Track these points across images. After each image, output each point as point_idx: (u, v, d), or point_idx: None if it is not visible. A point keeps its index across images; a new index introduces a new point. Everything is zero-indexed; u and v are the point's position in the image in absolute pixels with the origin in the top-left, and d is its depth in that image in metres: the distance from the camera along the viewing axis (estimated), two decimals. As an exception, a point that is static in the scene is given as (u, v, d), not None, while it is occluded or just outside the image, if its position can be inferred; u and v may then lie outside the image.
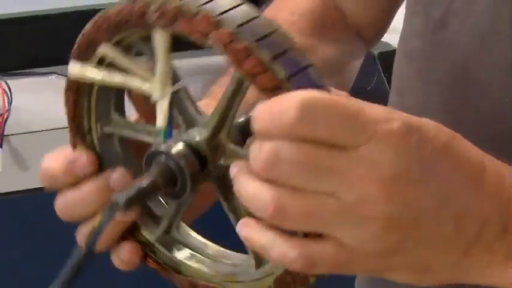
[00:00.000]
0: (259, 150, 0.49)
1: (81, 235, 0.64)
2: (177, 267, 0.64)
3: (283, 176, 0.49)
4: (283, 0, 0.86)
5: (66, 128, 1.50)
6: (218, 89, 0.72)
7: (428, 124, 0.51)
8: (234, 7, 0.54)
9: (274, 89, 0.51)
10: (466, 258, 0.53)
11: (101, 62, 0.61)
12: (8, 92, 1.44)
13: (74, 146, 0.64)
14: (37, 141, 1.42)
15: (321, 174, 0.48)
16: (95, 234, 0.57)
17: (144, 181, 0.56)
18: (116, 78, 0.60)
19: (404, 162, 0.49)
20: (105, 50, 0.59)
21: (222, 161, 0.58)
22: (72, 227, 1.60)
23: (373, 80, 1.62)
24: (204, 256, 0.64)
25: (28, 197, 1.45)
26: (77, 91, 0.62)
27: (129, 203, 0.55)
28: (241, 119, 0.60)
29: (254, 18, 0.53)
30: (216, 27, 0.53)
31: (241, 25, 0.53)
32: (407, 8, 0.79)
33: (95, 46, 0.60)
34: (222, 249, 0.65)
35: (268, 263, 0.59)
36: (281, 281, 0.57)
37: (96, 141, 0.64)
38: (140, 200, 0.56)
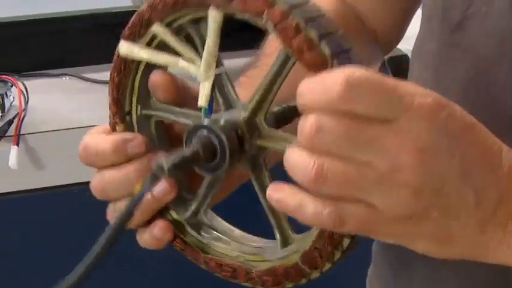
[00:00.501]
0: (304, 122, 0.52)
1: (112, 213, 0.67)
2: (204, 248, 0.67)
3: (326, 146, 0.52)
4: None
5: (79, 128, 1.53)
6: (246, 80, 0.75)
7: (456, 105, 0.54)
8: None
9: (319, 65, 0.54)
10: (482, 235, 0.56)
11: (150, 43, 0.63)
12: (25, 92, 1.46)
13: (114, 126, 0.67)
14: (52, 140, 1.43)
15: (360, 145, 0.52)
16: (135, 201, 0.58)
17: (187, 150, 0.59)
18: (162, 58, 0.63)
19: (435, 135, 0.52)
20: (157, 29, 0.62)
21: (257, 142, 0.61)
22: (86, 224, 1.63)
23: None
24: (229, 238, 0.67)
25: (43, 195, 1.46)
26: (123, 71, 0.65)
27: (173, 169, 0.57)
28: (277, 108, 0.63)
29: (305, 3, 0.57)
30: (270, 6, 0.56)
31: (293, 6, 0.56)
32: (423, 12, 0.80)
33: (147, 25, 0.62)
34: (247, 234, 0.67)
35: (294, 242, 0.62)
36: (308, 257, 0.60)
37: (134, 123, 0.66)
38: (182, 167, 0.58)
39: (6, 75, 1.48)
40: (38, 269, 1.52)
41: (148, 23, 0.62)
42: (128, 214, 0.58)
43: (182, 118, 0.65)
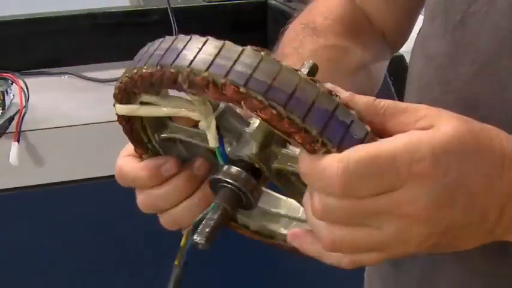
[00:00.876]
0: (311, 200, 0.58)
1: (165, 223, 0.70)
2: (259, 230, 0.70)
3: (334, 220, 0.57)
4: (316, 7, 0.90)
5: (78, 125, 1.54)
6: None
7: (453, 136, 0.57)
8: (258, 64, 0.56)
9: (311, 143, 0.56)
10: (490, 236, 0.61)
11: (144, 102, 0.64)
12: (25, 89, 1.47)
13: (140, 156, 0.69)
14: (52, 137, 1.45)
15: (366, 217, 0.57)
16: (183, 258, 0.65)
17: (216, 215, 0.62)
18: (163, 111, 0.64)
19: (435, 194, 0.56)
20: (145, 98, 0.63)
21: (275, 165, 0.63)
22: (86, 220, 1.64)
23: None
24: (282, 217, 0.70)
25: (44, 192, 1.47)
26: (128, 120, 0.66)
27: (209, 239, 0.61)
28: None
29: (278, 73, 0.56)
30: (245, 98, 0.55)
31: (267, 90, 0.55)
32: (426, 11, 0.82)
33: (135, 95, 0.63)
34: (287, 201, 0.70)
35: None
36: None
37: (158, 147, 0.69)
38: (216, 231, 0.61)
39: (6, 73, 1.49)
40: (38, 264, 1.53)
41: (135, 93, 0.63)
42: (181, 270, 0.66)
43: (197, 140, 0.67)
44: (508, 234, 0.61)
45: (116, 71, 1.65)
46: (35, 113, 1.46)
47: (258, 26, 1.82)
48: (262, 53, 0.56)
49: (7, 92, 1.46)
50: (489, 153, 0.59)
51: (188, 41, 0.58)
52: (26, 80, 1.50)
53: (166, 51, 0.58)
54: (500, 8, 0.72)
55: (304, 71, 0.62)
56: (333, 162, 0.55)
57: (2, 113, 1.44)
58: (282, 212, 0.68)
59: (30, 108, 1.45)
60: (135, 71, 0.60)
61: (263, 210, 0.69)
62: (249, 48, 0.57)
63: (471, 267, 0.78)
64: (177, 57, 0.57)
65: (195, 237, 0.61)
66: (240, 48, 0.57)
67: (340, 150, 0.55)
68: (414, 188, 0.56)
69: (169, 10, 1.65)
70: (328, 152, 0.55)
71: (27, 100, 1.46)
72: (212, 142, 0.64)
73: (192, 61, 0.57)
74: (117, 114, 0.65)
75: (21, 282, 1.54)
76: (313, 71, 0.63)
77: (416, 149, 0.56)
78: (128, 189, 1.51)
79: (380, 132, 0.58)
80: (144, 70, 0.59)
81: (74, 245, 1.53)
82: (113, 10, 1.78)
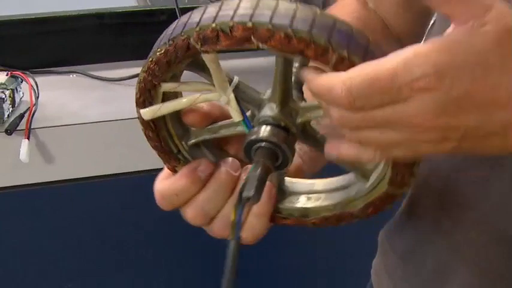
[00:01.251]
0: (330, 113, 0.60)
1: (218, 229, 0.71)
2: (303, 213, 0.73)
3: (353, 127, 0.60)
4: (333, 9, 0.93)
5: (87, 123, 1.55)
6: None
7: (460, 43, 0.56)
8: (257, 4, 0.60)
9: (322, 55, 0.59)
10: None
11: (164, 98, 0.67)
12: (36, 88, 1.49)
13: (173, 169, 0.72)
14: (61, 135, 1.46)
15: (379, 124, 0.58)
16: (237, 229, 0.65)
17: (258, 170, 0.64)
18: (183, 102, 0.67)
19: (441, 105, 0.56)
20: (165, 88, 0.66)
21: (299, 120, 0.67)
22: (95, 217, 1.65)
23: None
24: (317, 194, 0.73)
25: (53, 188, 1.48)
26: (155, 128, 0.69)
27: (258, 193, 0.63)
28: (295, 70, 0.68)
29: (276, 6, 0.60)
30: (254, 31, 0.60)
31: (271, 18, 0.59)
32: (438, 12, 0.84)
33: (154, 89, 0.66)
34: (326, 179, 0.74)
35: (375, 171, 0.69)
36: (393, 180, 0.67)
37: (187, 156, 0.72)
38: (263, 185, 0.64)
39: (16, 71, 1.51)
40: (47, 260, 1.54)
41: (155, 87, 0.66)
42: (237, 240, 0.65)
43: (224, 132, 0.70)
44: None
45: (123, 71, 1.67)
46: (44, 111, 1.47)
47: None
48: None
49: (17, 90, 1.47)
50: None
51: (191, 13, 0.62)
52: (36, 78, 1.51)
53: (174, 28, 0.63)
54: None
55: None
56: (338, 83, 0.57)
57: (12, 111, 1.45)
58: (303, 190, 0.72)
59: (39, 106, 1.47)
60: (150, 60, 0.63)
61: (289, 193, 0.73)
62: None
63: (483, 269, 0.80)
64: (184, 26, 0.62)
65: (245, 192, 0.63)
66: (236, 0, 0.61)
67: (349, 53, 0.59)
68: (418, 101, 0.56)
69: (177, 10, 1.67)
70: (340, 58, 0.59)
71: (37, 98, 1.47)
72: (235, 116, 0.67)
73: (198, 22, 0.61)
74: (142, 121, 0.68)
75: (30, 277, 1.55)
76: None
77: (417, 65, 0.56)
78: (136, 187, 1.53)
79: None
80: (158, 54, 0.63)
81: (83, 241, 1.55)
82: (120, 10, 1.79)
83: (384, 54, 0.58)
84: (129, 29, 1.77)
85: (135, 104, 0.67)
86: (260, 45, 0.60)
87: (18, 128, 1.41)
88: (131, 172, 1.48)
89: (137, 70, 1.59)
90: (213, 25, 0.60)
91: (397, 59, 0.56)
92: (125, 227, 1.57)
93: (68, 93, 1.59)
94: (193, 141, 0.71)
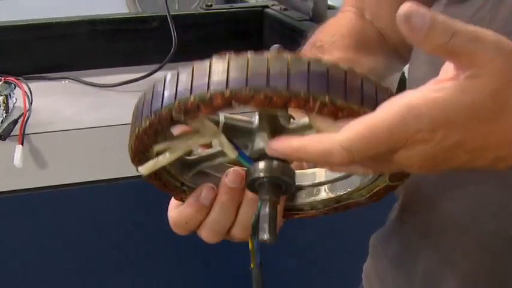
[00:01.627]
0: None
1: (237, 236, 0.74)
2: (312, 207, 0.75)
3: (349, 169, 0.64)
4: (325, 26, 0.95)
5: (80, 129, 1.55)
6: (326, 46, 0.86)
7: (454, 98, 0.58)
8: (228, 67, 0.61)
9: (304, 105, 0.60)
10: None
11: (158, 152, 0.69)
12: (29, 93, 1.49)
13: (181, 200, 0.74)
14: (55, 140, 1.46)
15: (377, 166, 0.62)
16: (256, 257, 0.71)
17: (267, 208, 0.66)
18: (179, 151, 0.68)
19: (431, 154, 0.59)
20: (157, 148, 0.67)
21: None
22: (89, 222, 1.65)
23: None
24: (322, 185, 0.75)
25: (47, 193, 1.49)
26: (155, 177, 0.71)
27: (273, 233, 0.65)
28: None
29: (248, 64, 0.60)
30: (233, 98, 0.60)
31: (247, 81, 0.60)
32: None
33: (147, 151, 0.67)
34: (327, 172, 0.75)
35: None
36: (392, 176, 0.69)
37: (191, 184, 0.73)
38: (275, 222, 0.66)
39: (10, 77, 1.51)
40: (42, 266, 1.54)
41: (147, 149, 0.67)
42: (258, 271, 0.72)
43: (220, 159, 0.72)
44: None
45: (115, 76, 1.67)
46: (37, 117, 1.47)
47: (255, 34, 1.86)
48: (227, 56, 0.61)
49: (10, 96, 1.48)
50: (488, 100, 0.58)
51: (164, 82, 0.63)
52: (29, 84, 1.51)
53: (152, 98, 0.64)
54: (503, 14, 0.75)
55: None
56: (336, 147, 0.59)
57: (6, 116, 1.45)
58: (309, 183, 0.74)
59: (33, 111, 1.47)
60: (138, 130, 0.65)
61: (304, 187, 0.75)
62: (213, 59, 0.62)
63: (472, 275, 0.81)
64: (162, 99, 0.63)
65: (260, 236, 0.65)
66: (207, 62, 0.62)
67: (329, 95, 0.59)
68: (410, 150, 0.59)
69: (168, 17, 1.67)
70: (324, 103, 0.59)
71: (30, 104, 1.48)
72: (231, 154, 0.69)
73: (175, 95, 0.62)
74: (143, 176, 0.70)
75: (25, 284, 1.55)
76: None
77: (412, 122, 0.58)
78: (131, 193, 1.53)
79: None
80: (143, 125, 0.64)
81: (76, 246, 1.55)
82: (111, 17, 1.80)
83: (360, 85, 0.60)
84: (121, 36, 1.78)
85: (131, 161, 0.69)
86: (242, 106, 0.61)
87: (12, 134, 1.41)
88: (125, 177, 1.48)
89: (129, 76, 1.63)
90: (192, 98, 0.61)
91: (393, 116, 0.58)
92: (119, 231, 1.58)
93: (61, 98, 1.60)
94: (192, 172, 0.73)
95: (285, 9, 1.84)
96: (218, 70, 0.61)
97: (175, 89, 0.62)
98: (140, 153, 0.67)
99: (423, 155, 0.59)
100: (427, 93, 0.58)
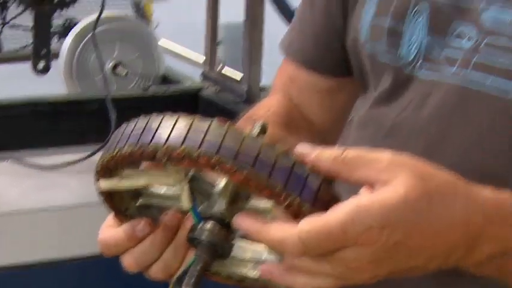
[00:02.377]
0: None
1: (153, 274, 0.77)
2: (241, 279, 0.74)
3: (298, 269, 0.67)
4: (261, 103, 1.00)
5: (24, 211, 1.53)
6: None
7: (404, 201, 0.65)
8: (224, 136, 0.63)
9: (276, 197, 0.64)
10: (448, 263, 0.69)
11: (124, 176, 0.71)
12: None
13: (121, 222, 0.75)
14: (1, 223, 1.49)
15: (319, 260, 0.66)
16: None
17: (198, 266, 0.69)
18: (140, 181, 0.71)
19: (376, 255, 0.65)
20: (126, 172, 0.70)
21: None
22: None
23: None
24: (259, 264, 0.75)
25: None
26: (110, 195, 0.73)
27: (197, 286, 0.68)
28: None
29: (242, 141, 0.64)
30: (217, 164, 0.63)
31: (236, 155, 0.63)
32: (355, 119, 0.92)
33: (116, 171, 0.70)
34: (252, 246, 0.75)
35: None
36: None
37: (134, 212, 0.75)
38: (201, 279, 0.68)
39: None
40: None
41: (116, 170, 0.69)
42: None
43: (169, 202, 0.72)
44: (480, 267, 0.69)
45: (57, 157, 1.70)
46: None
47: (191, 114, 1.90)
48: (227, 125, 0.64)
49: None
50: (445, 209, 0.66)
51: (161, 120, 0.65)
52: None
53: (143, 130, 0.65)
54: (425, 115, 0.81)
55: (256, 131, 0.69)
56: (292, 235, 0.64)
57: None
58: (248, 256, 0.73)
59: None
60: (117, 150, 0.66)
61: (232, 257, 0.74)
62: (215, 121, 0.64)
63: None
64: (153, 137, 0.64)
65: (183, 285, 0.68)
66: (207, 123, 0.64)
67: (301, 198, 0.64)
68: (359, 250, 0.64)
69: (106, 99, 1.72)
70: (292, 202, 0.64)
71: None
72: (185, 203, 0.70)
73: (167, 139, 0.64)
74: (100, 192, 0.72)
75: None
76: (263, 129, 0.70)
77: (362, 219, 0.64)
78: (75, 273, 1.49)
79: (348, 182, 0.66)
80: (124, 150, 0.66)
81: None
82: (51, 99, 1.85)
83: (312, 182, 0.65)
84: (62, 116, 1.83)
85: (94, 171, 0.69)
86: (222, 174, 0.65)
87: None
88: (71, 259, 1.50)
89: (71, 157, 1.65)
90: (181, 148, 0.63)
91: (345, 214, 0.64)
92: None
93: (2, 180, 1.62)
94: (142, 202, 0.75)
95: (219, 91, 1.91)
96: (215, 133, 0.63)
97: (169, 133, 0.64)
98: (108, 170, 0.68)
99: (368, 258, 0.65)
100: (372, 196, 0.65)
